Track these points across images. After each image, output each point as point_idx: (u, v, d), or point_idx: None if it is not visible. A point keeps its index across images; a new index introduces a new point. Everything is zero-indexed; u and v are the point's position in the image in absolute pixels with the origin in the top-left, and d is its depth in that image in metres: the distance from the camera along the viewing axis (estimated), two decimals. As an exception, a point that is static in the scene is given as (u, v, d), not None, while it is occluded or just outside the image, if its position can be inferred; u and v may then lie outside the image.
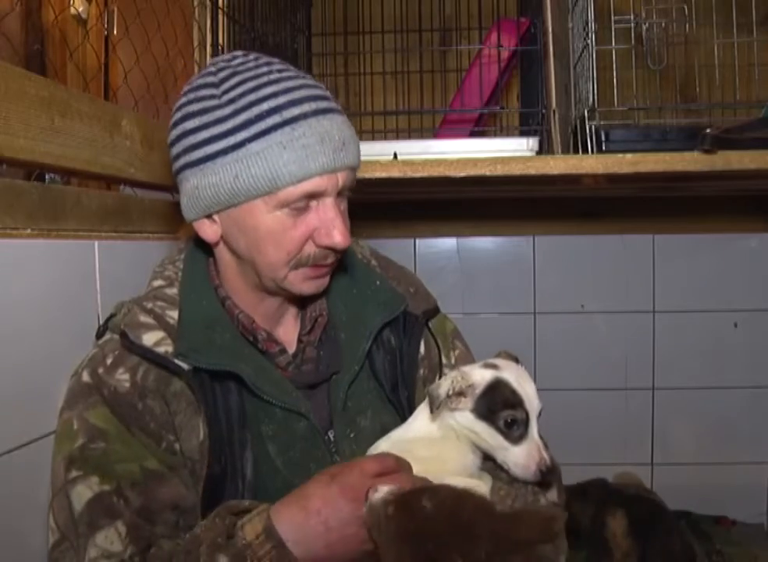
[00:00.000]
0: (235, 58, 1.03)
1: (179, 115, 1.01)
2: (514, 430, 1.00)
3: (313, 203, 1.00)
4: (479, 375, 1.03)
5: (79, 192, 1.19)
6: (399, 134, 1.85)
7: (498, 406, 1.00)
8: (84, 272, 1.15)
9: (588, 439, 2.22)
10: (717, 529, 2.12)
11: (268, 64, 1.02)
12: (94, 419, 0.98)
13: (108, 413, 0.98)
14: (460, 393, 1.01)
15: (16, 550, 1.00)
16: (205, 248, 1.12)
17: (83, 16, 2.12)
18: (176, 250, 1.19)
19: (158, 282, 1.11)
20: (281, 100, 0.96)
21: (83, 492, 0.94)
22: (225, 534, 0.89)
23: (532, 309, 2.27)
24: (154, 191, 1.47)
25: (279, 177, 0.95)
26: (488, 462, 1.05)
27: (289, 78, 1.00)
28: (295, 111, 0.96)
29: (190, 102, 1.01)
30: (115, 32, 1.92)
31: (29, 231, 1.05)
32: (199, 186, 0.99)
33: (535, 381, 1.03)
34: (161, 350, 1.00)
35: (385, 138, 1.83)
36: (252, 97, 0.96)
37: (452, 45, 2.15)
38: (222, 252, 1.08)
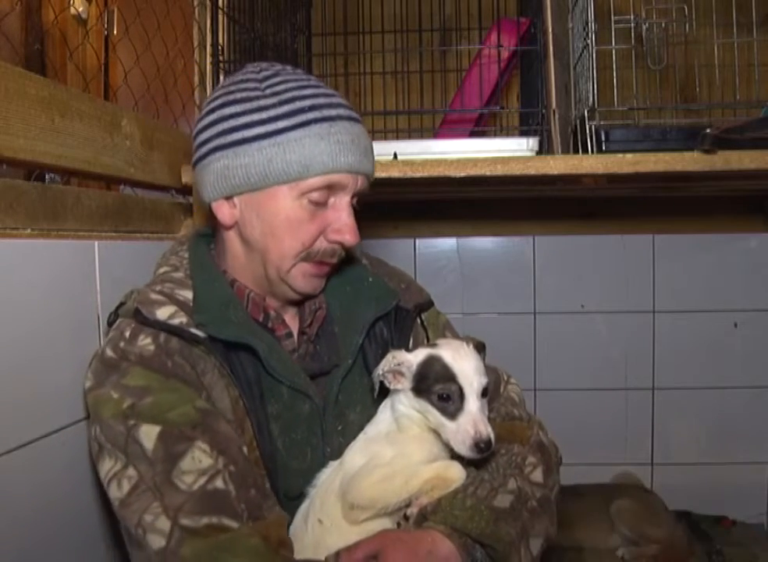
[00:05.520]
0: (273, 66, 1.10)
1: (217, 102, 1.06)
2: (449, 405, 1.01)
3: (331, 200, 1.05)
4: (413, 354, 1.05)
5: (79, 192, 1.19)
6: (399, 134, 1.85)
7: (430, 381, 1.02)
8: (84, 272, 1.15)
9: (588, 439, 2.21)
10: (717, 529, 2.12)
11: (306, 74, 1.10)
12: (133, 381, 0.97)
13: (143, 370, 0.98)
14: (400, 374, 1.04)
15: (17, 550, 0.99)
16: (207, 240, 1.16)
17: (83, 16, 2.12)
18: (176, 243, 1.21)
19: (163, 269, 1.13)
20: (321, 101, 1.04)
21: (149, 431, 0.94)
22: None
23: (532, 309, 2.27)
24: (154, 191, 1.47)
25: (312, 165, 1.01)
26: None
27: (324, 87, 1.09)
28: (333, 112, 1.04)
29: (230, 91, 1.06)
30: (115, 32, 1.93)
31: (29, 231, 1.05)
32: (230, 166, 1.03)
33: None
34: (175, 321, 1.02)
35: (385, 138, 1.83)
36: (295, 93, 1.04)
37: (452, 45, 2.16)
38: (232, 240, 1.10)
